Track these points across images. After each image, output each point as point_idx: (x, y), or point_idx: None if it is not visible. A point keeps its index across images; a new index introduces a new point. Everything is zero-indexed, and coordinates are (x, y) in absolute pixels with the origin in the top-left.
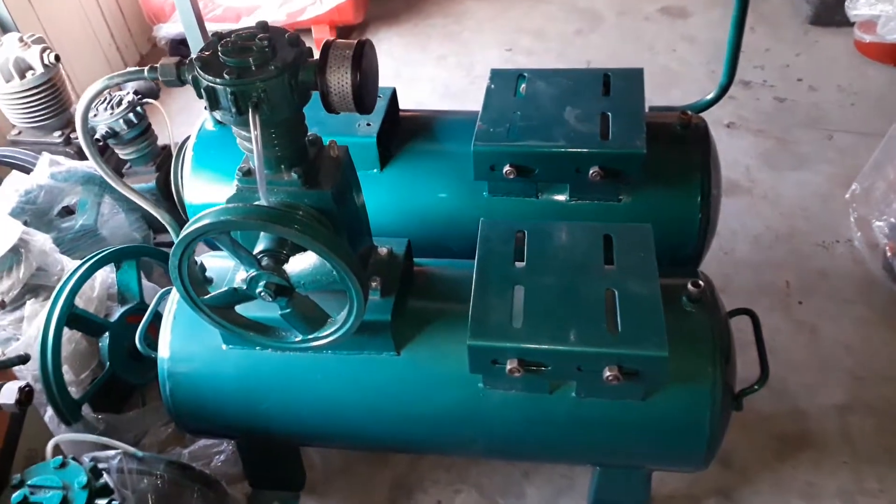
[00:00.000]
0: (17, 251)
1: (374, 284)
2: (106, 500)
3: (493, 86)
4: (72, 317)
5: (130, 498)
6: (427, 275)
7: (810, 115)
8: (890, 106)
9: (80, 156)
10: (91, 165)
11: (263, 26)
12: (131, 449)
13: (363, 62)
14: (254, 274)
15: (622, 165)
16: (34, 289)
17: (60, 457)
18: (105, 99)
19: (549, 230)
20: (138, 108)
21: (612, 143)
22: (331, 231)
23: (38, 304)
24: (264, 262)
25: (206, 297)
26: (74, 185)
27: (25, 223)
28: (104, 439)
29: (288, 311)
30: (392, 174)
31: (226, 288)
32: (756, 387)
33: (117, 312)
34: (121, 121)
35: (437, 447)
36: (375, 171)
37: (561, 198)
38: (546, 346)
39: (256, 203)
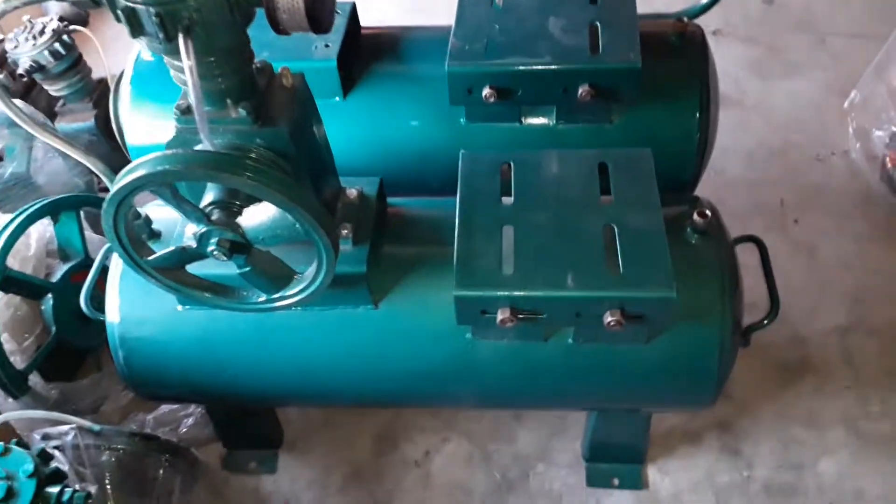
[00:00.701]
0: None
1: (344, 232)
2: (58, 487)
3: None
4: (5, 280)
5: (89, 476)
6: (403, 217)
7: (801, 18)
8: (885, 5)
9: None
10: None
11: None
12: (86, 423)
13: None
14: (203, 230)
15: (615, 82)
16: None
17: (1, 443)
18: (25, 28)
19: (538, 160)
20: (65, 37)
21: (604, 58)
22: (289, 176)
23: None
24: (214, 215)
25: (150, 258)
26: None
27: None
28: (55, 414)
29: (247, 269)
30: (356, 102)
31: (173, 247)
32: (766, 322)
33: (59, 271)
34: (46, 52)
35: (423, 402)
36: (338, 98)
37: (547, 121)
38: (541, 293)
39: (199, 147)
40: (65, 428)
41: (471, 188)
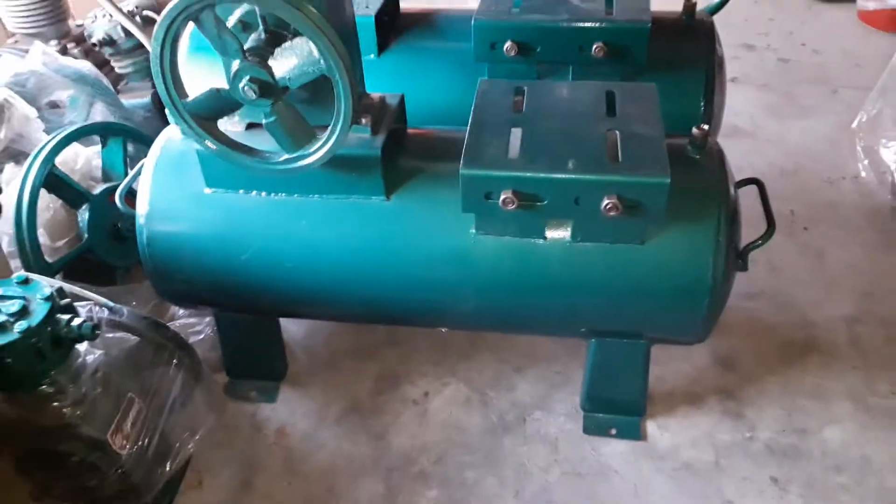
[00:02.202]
0: (0, 111)
1: (363, 121)
2: (68, 316)
3: None
4: (51, 178)
5: (98, 345)
6: (419, 134)
7: (815, 74)
8: None
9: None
10: (85, 66)
11: None
12: (102, 300)
13: None
14: (237, 68)
15: (627, 40)
16: (14, 154)
17: (23, 274)
18: (102, 14)
19: (550, 86)
20: (137, 18)
21: (617, 18)
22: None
23: (17, 169)
24: (249, 56)
25: (187, 100)
26: (66, 81)
27: None
28: (75, 288)
29: (272, 118)
30: (389, 60)
31: (208, 89)
32: (760, 241)
33: (100, 188)
34: (118, 27)
35: (425, 307)
36: (372, 56)
37: (563, 76)
38: (542, 175)
39: None
40: (81, 303)
41: (485, 102)
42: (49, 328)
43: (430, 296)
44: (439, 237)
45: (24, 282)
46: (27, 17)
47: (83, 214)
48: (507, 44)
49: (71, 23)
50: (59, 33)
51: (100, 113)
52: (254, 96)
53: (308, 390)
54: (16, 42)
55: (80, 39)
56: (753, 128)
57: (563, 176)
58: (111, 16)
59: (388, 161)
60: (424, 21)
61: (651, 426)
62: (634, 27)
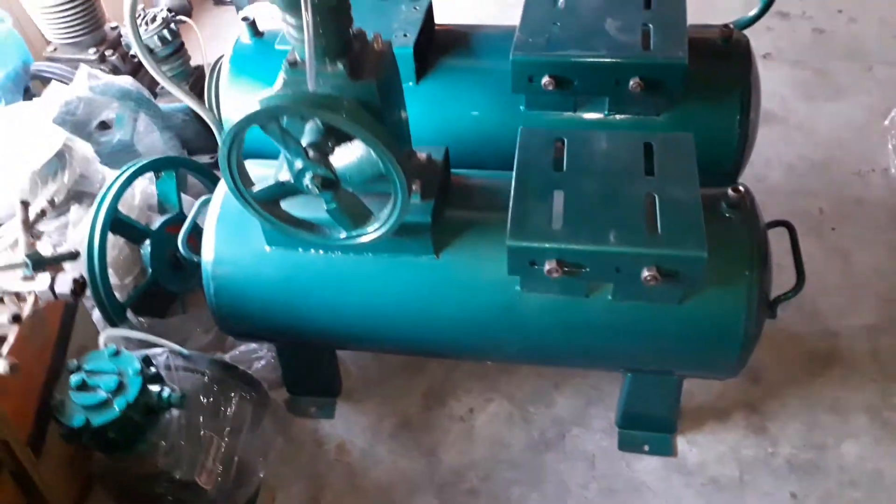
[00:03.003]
0: (62, 157)
1: (414, 188)
2: (159, 387)
3: None
4: (115, 221)
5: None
6: (465, 183)
7: (849, 47)
8: None
9: (115, 73)
10: (127, 81)
11: None
12: (177, 347)
13: None
14: (301, 166)
15: (664, 76)
16: (78, 195)
17: (114, 345)
18: (139, 16)
19: (589, 138)
20: (172, 26)
21: (654, 54)
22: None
23: (81, 209)
24: (311, 153)
25: (254, 189)
26: (111, 100)
27: None
28: (152, 337)
29: (333, 205)
30: (428, 87)
31: (273, 181)
32: (791, 294)
33: (158, 221)
34: (155, 37)
35: (473, 350)
36: (411, 83)
37: (599, 114)
38: (585, 247)
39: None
40: (158, 350)
41: (527, 158)
42: (143, 401)
43: (477, 343)
44: (486, 294)
45: (116, 354)
46: (66, 26)
47: (145, 249)
48: (545, 79)
49: (107, 27)
50: (96, 41)
51: (143, 125)
52: (317, 191)
53: (362, 406)
54: (55, 51)
55: (117, 44)
56: (785, 112)
57: (605, 249)
58: (147, 24)
59: (436, 223)
60: (462, 41)
61: (681, 441)
62: (671, 63)
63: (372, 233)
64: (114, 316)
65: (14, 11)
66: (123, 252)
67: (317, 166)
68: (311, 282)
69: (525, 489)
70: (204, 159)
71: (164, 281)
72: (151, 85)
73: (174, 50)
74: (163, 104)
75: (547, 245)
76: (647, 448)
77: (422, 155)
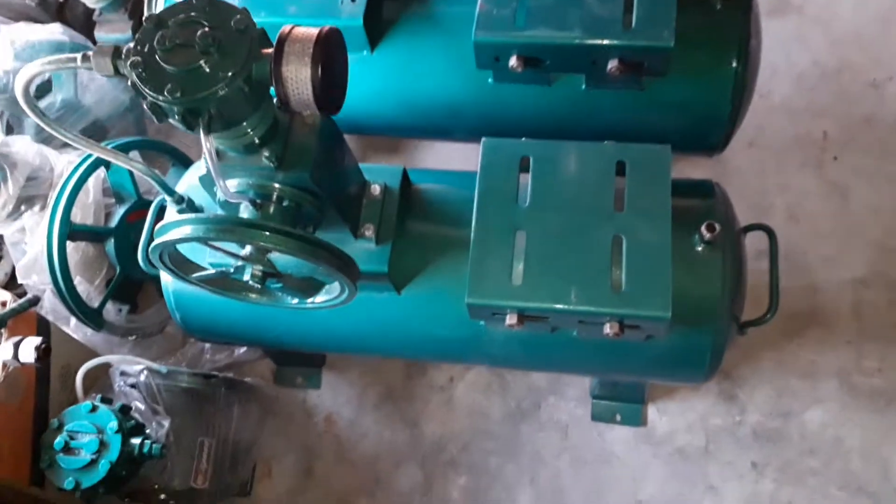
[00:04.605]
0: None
1: (368, 233)
2: (140, 439)
3: None
4: (72, 233)
5: (161, 410)
6: (425, 204)
7: None
8: None
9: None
10: (55, 31)
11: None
12: (154, 365)
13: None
14: (238, 264)
15: (646, 59)
16: (29, 199)
17: (90, 402)
18: None
19: (557, 156)
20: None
21: (636, 35)
22: (314, 206)
23: (35, 214)
24: (247, 251)
25: (196, 275)
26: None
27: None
28: (129, 357)
29: (279, 286)
30: (384, 55)
31: (213, 271)
32: (763, 320)
33: (117, 214)
34: None
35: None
36: (365, 52)
37: (576, 85)
38: (545, 305)
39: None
40: (137, 368)
41: (489, 185)
42: (126, 455)
43: (444, 360)
44: (449, 326)
45: (92, 410)
46: None
47: (109, 247)
48: (513, 60)
49: None
50: None
51: (86, 74)
52: (259, 285)
53: (346, 376)
54: None
55: None
56: (801, 0)
57: (565, 307)
58: None
59: (394, 265)
60: (420, 2)
61: (651, 410)
62: (654, 46)
63: (324, 303)
64: (92, 325)
65: None
66: (88, 252)
67: (254, 263)
68: (275, 316)
69: (501, 459)
70: None
71: (134, 274)
72: (86, 13)
73: None
74: (102, 34)
75: (506, 303)
76: (618, 418)
77: (375, 188)
